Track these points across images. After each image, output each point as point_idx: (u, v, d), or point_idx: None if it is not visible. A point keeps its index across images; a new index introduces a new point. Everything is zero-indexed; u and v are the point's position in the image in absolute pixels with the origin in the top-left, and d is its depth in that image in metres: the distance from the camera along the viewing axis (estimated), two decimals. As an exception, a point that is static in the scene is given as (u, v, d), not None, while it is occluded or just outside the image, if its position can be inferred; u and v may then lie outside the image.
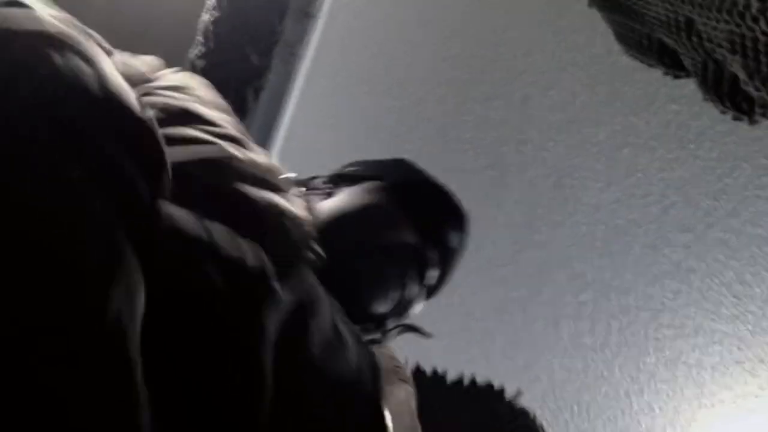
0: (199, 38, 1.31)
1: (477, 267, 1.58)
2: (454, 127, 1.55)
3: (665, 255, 1.47)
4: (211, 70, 1.30)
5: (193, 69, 1.30)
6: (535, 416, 1.28)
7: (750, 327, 1.45)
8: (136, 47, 0.75)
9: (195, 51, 1.34)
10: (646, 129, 1.45)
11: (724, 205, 1.43)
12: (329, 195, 0.90)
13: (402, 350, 1.61)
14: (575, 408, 1.56)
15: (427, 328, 1.66)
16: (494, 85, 1.55)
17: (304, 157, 1.58)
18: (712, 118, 1.41)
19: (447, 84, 1.56)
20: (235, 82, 1.31)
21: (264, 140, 1.43)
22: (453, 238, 0.97)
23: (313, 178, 0.99)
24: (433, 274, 0.93)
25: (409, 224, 0.89)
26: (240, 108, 1.28)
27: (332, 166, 1.12)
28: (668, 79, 1.43)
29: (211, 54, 1.32)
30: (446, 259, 0.94)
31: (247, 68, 1.30)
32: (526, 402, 1.51)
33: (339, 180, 0.94)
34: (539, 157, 1.51)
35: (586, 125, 1.48)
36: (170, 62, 0.80)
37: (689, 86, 1.34)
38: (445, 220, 0.96)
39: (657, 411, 1.50)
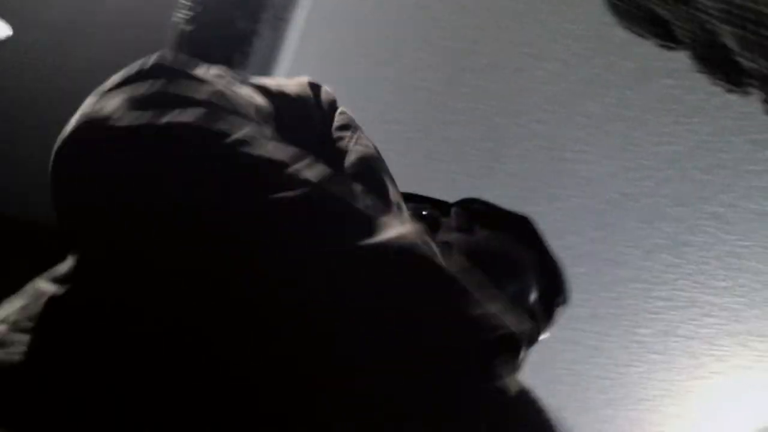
0: (185, 1, 1.30)
1: (472, 240, 1.58)
2: (448, 97, 1.54)
3: (659, 228, 1.48)
4: (196, 34, 1.29)
5: (179, 34, 1.28)
6: (525, 391, 1.30)
7: (743, 300, 1.47)
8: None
9: (180, 14, 1.32)
10: (641, 103, 1.45)
11: (718, 180, 1.44)
12: (467, 232, 0.91)
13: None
14: (569, 378, 1.58)
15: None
16: (489, 56, 1.54)
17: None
18: (707, 92, 1.41)
19: (441, 54, 1.55)
20: (220, 48, 1.30)
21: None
22: (558, 317, 1.00)
23: (437, 203, 0.98)
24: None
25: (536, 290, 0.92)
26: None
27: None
28: (663, 52, 1.42)
29: (197, 18, 1.31)
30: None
31: (233, 33, 1.29)
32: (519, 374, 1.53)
33: (471, 217, 0.94)
34: (534, 129, 1.51)
35: (581, 98, 1.47)
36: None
37: (684, 60, 1.34)
38: (559, 298, 0.99)
39: (650, 381, 1.52)
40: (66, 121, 0.51)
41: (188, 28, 1.28)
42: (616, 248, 1.50)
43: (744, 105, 1.39)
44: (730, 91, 0.78)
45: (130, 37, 2.62)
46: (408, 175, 1.57)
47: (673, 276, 1.47)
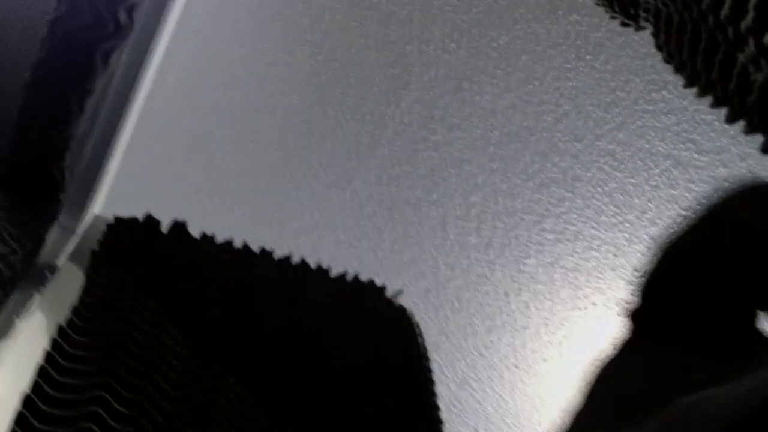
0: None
1: (372, 164, 1.58)
2: (357, 21, 1.51)
3: (554, 163, 1.51)
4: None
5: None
6: (411, 315, 1.33)
7: (627, 235, 1.52)
8: None
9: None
10: (547, 37, 1.46)
11: (614, 118, 1.48)
12: None
13: (289, 243, 1.62)
14: (456, 304, 1.62)
15: (318, 222, 1.67)
16: (401, -20, 1.51)
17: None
18: (610, 30, 1.43)
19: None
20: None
21: (156, 19, 1.35)
22: None
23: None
24: None
25: None
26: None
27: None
28: (572, -13, 1.43)
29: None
30: None
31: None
32: (409, 297, 1.56)
33: None
34: (441, 58, 1.50)
35: (490, 29, 1.47)
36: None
37: (591, -4, 1.35)
38: None
39: (533, 310, 1.57)
40: None
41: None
42: (511, 180, 1.53)
43: (644, 45, 1.42)
44: (624, 24, 0.79)
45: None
46: (316, 98, 1.55)
47: (563, 209, 1.52)
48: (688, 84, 0.59)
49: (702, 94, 0.55)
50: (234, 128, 1.57)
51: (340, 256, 1.64)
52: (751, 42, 0.41)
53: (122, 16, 1.14)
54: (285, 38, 1.51)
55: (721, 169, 1.44)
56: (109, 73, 1.22)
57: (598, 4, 0.85)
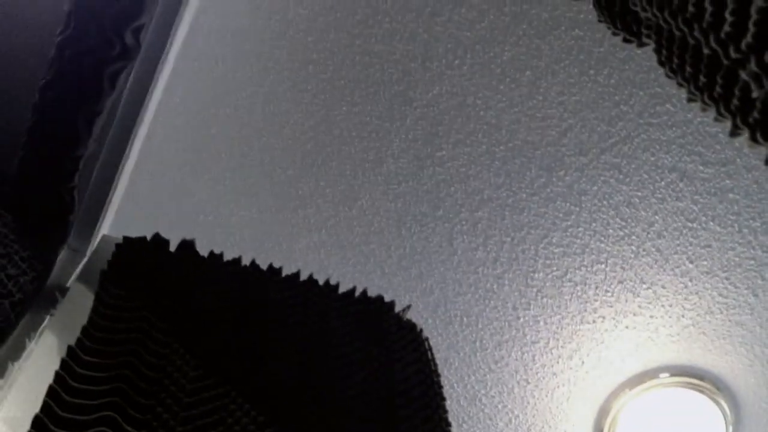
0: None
1: (378, 181, 1.59)
2: (362, 39, 1.53)
3: (559, 177, 1.51)
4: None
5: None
6: (421, 330, 1.33)
7: (634, 248, 1.53)
8: None
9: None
10: (550, 53, 1.47)
11: (619, 131, 1.48)
12: None
13: (297, 261, 1.63)
14: (464, 319, 1.62)
15: (326, 239, 1.67)
16: (404, -2, 1.52)
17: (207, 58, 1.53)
18: (613, 44, 1.44)
19: (356, -7, 1.53)
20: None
21: (162, 40, 1.36)
22: None
23: None
24: None
25: None
26: (138, 6, 1.21)
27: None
28: (574, 3, 1.44)
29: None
30: None
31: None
32: (417, 313, 1.56)
33: None
34: (445, 74, 1.51)
35: (493, 45, 1.48)
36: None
37: (593, 12, 1.36)
38: None
39: (542, 324, 1.57)
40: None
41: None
42: (517, 194, 1.53)
43: (647, 59, 1.43)
44: (626, 40, 0.80)
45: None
46: (321, 116, 1.56)
47: (569, 223, 1.52)
48: (691, 99, 0.60)
49: (704, 109, 0.55)
50: (240, 147, 1.58)
51: (347, 272, 1.64)
52: (753, 60, 0.42)
53: (129, 38, 1.15)
54: (290, 57, 1.52)
55: (727, 181, 1.44)
56: (116, 94, 1.23)
57: (600, 21, 0.86)
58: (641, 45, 0.75)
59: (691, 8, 0.47)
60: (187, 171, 1.63)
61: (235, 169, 1.59)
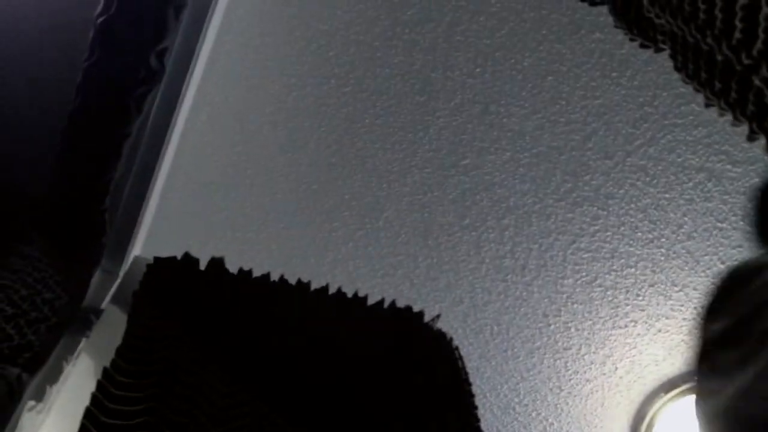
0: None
1: (403, 192, 1.59)
2: (382, 52, 1.53)
3: (585, 181, 1.51)
4: (116, 23, 1.24)
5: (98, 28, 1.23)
6: (451, 339, 1.33)
7: (664, 250, 1.51)
8: None
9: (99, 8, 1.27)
10: (571, 57, 1.46)
11: (644, 133, 1.47)
12: None
13: (325, 275, 1.63)
14: (495, 328, 1.61)
15: (353, 252, 1.68)
16: (422, 11, 1.53)
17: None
18: (634, 46, 1.43)
19: (375, 8, 1.54)
20: (138, 35, 1.25)
21: (186, 61, 1.39)
22: None
23: None
24: None
25: None
26: (160, 29, 1.23)
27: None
28: (594, 7, 1.44)
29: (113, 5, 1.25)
30: None
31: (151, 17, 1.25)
32: (447, 323, 1.56)
33: None
34: (466, 83, 1.52)
35: (513, 52, 1.48)
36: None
37: (613, 14, 1.36)
38: None
39: (573, 330, 1.56)
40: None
41: (106, 17, 1.23)
42: (543, 201, 1.53)
43: (670, 60, 1.42)
44: (643, 45, 0.80)
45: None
46: (345, 129, 1.57)
47: (597, 228, 1.51)
48: (709, 104, 0.60)
49: (722, 114, 0.55)
50: (265, 164, 1.60)
51: (376, 284, 1.65)
52: (764, 66, 0.42)
53: (153, 62, 1.17)
54: (312, 73, 1.54)
55: (756, 179, 1.43)
56: (143, 116, 1.26)
57: (617, 27, 0.86)
58: (658, 50, 0.75)
59: (702, 15, 0.48)
60: (214, 189, 1.65)
61: (261, 185, 1.61)
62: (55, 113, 1.31)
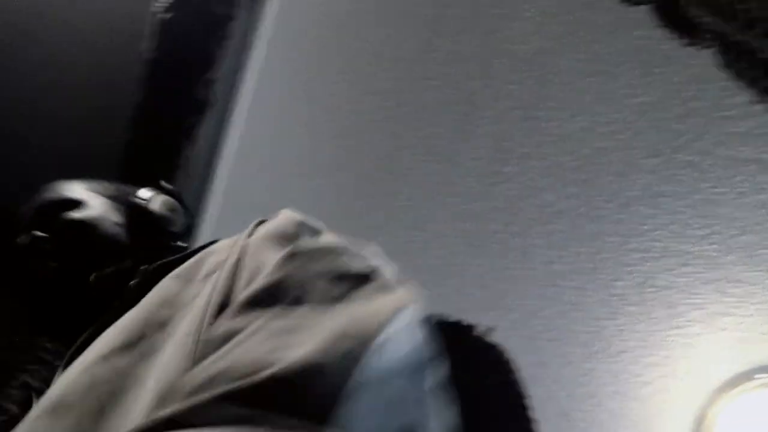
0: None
1: (449, 202, 1.59)
2: (421, 64, 1.54)
3: (633, 181, 1.49)
4: (175, 20, 1.28)
5: (158, 23, 1.27)
6: (505, 350, 1.32)
7: (717, 246, 1.48)
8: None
9: (158, 3, 1.31)
10: (611, 56, 1.45)
11: (691, 128, 1.45)
12: None
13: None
14: (548, 335, 1.60)
15: (401, 265, 1.68)
16: (459, 21, 1.53)
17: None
18: (675, 41, 1.41)
19: (413, 22, 1.55)
20: (198, 33, 1.29)
21: (233, 85, 1.42)
22: None
23: None
24: None
25: None
26: (207, 60, 1.26)
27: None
28: (629, 5, 1.42)
29: (174, 5, 1.29)
30: None
31: (210, 18, 1.28)
32: (500, 332, 1.55)
33: None
34: (506, 90, 1.51)
35: (551, 56, 1.48)
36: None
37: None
38: None
39: (628, 333, 1.54)
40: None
41: (166, 15, 1.27)
42: (591, 203, 1.51)
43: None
44: (687, 44, 0.79)
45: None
46: (389, 144, 1.58)
47: (648, 227, 1.49)
48: (758, 101, 0.59)
49: (771, 110, 0.55)
50: (312, 182, 1.62)
51: (425, 297, 1.65)
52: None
53: (202, 93, 1.20)
54: (353, 90, 1.55)
55: (810, 169, 1.39)
56: (194, 144, 1.29)
57: (659, 27, 0.85)
58: (703, 49, 0.74)
59: (741, 15, 0.47)
60: (262, 211, 1.67)
61: (308, 204, 1.63)
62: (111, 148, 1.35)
